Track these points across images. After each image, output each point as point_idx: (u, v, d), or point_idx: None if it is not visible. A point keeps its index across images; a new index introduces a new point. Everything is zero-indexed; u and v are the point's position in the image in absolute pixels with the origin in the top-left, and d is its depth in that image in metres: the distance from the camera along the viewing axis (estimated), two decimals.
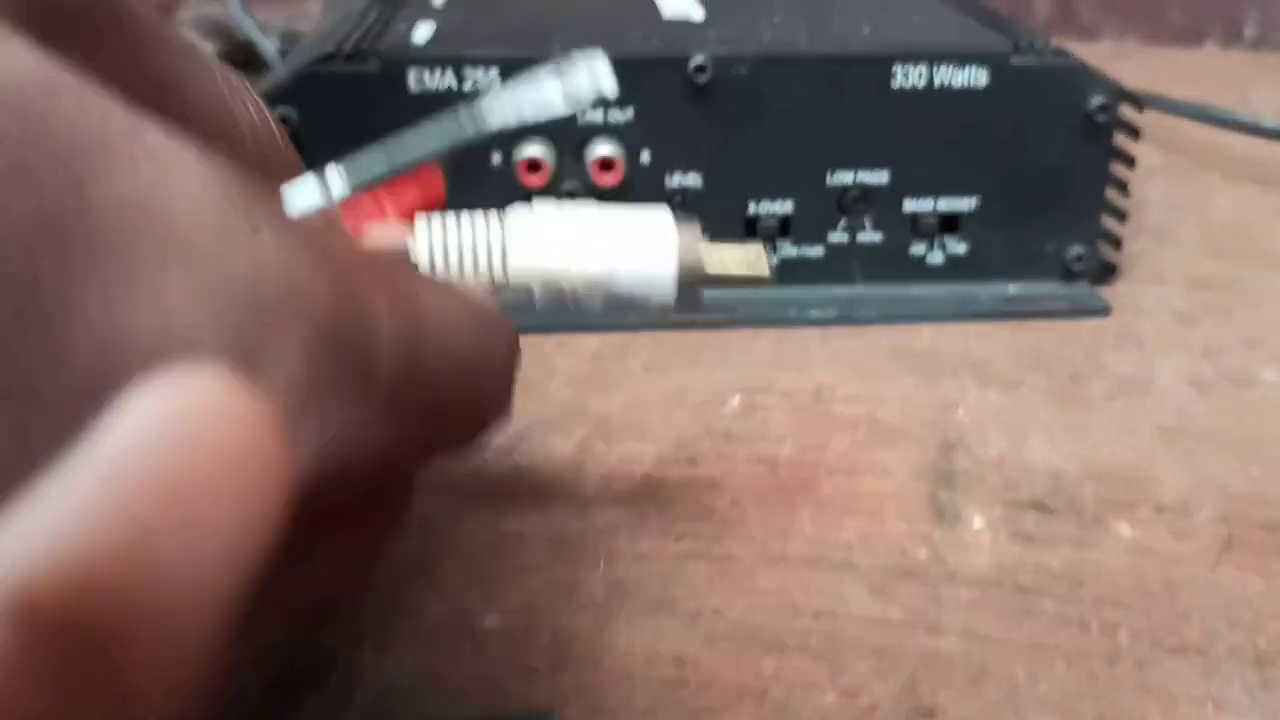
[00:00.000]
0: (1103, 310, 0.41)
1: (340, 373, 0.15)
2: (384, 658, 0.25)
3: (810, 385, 0.37)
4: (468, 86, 0.39)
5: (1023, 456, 0.33)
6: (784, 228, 0.42)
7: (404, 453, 0.18)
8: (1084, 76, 0.40)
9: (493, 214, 0.26)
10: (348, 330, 0.15)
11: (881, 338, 0.40)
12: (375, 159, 0.21)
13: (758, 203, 0.41)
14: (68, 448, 0.10)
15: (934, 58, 0.39)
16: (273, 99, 0.38)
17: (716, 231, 0.41)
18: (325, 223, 0.20)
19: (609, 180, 0.40)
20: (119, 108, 0.14)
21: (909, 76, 0.40)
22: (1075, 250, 0.42)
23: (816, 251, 0.42)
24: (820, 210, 0.41)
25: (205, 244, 0.14)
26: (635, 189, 0.40)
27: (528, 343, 0.22)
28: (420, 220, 0.25)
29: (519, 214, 0.26)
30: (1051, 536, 0.30)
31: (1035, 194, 0.42)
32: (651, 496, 0.31)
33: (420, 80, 0.39)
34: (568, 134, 0.40)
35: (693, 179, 0.41)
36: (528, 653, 0.26)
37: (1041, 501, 0.31)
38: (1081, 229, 0.42)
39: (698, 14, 0.45)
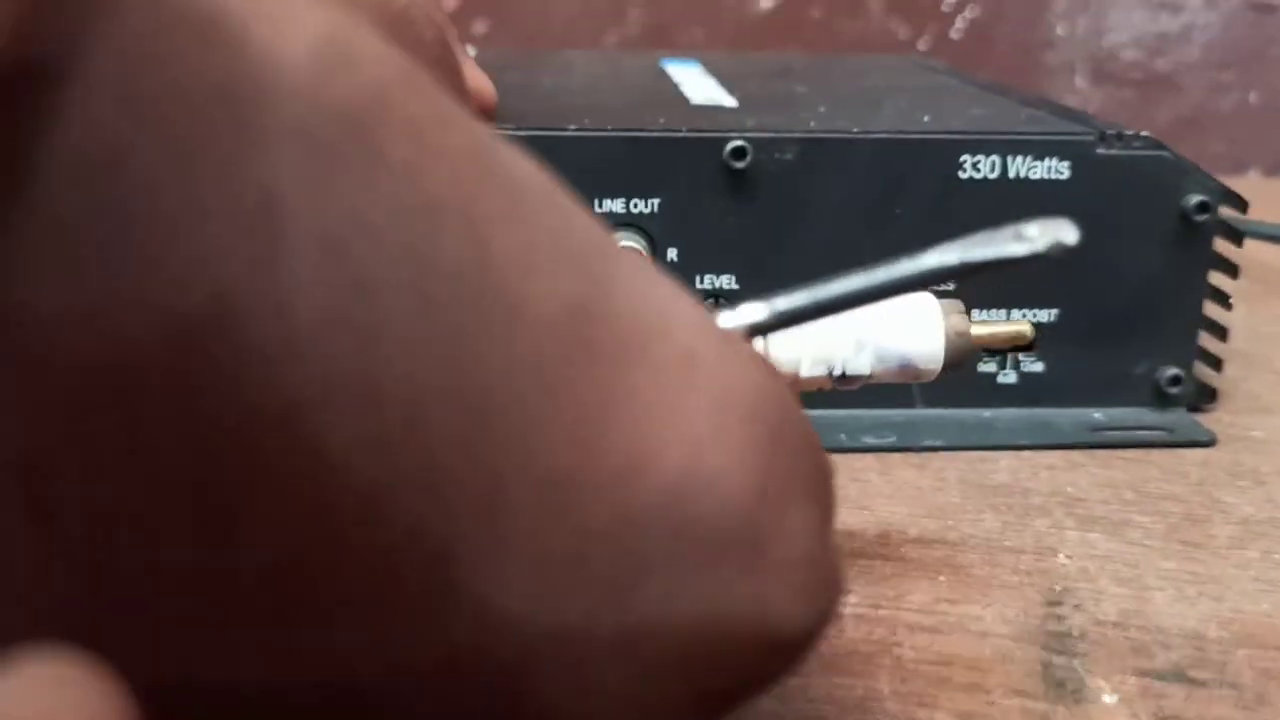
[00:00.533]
0: (1208, 441, 0.35)
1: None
2: None
3: (874, 524, 0.30)
4: None
5: (1149, 615, 0.26)
6: None
7: None
8: (1180, 170, 0.35)
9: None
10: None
11: (950, 467, 0.33)
12: (800, 296, 0.20)
13: None
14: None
15: (1009, 146, 0.34)
16: None
17: None
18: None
19: None
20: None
21: (979, 166, 0.34)
22: (1169, 371, 0.36)
23: None
24: None
25: (708, 356, 0.13)
26: None
27: None
28: None
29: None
30: (1208, 718, 0.23)
31: (1123, 306, 0.36)
32: None
33: None
34: None
35: (726, 281, 0.35)
36: None
37: (1184, 672, 0.24)
38: (1176, 347, 0.36)
39: (729, 101, 0.40)
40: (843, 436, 0.35)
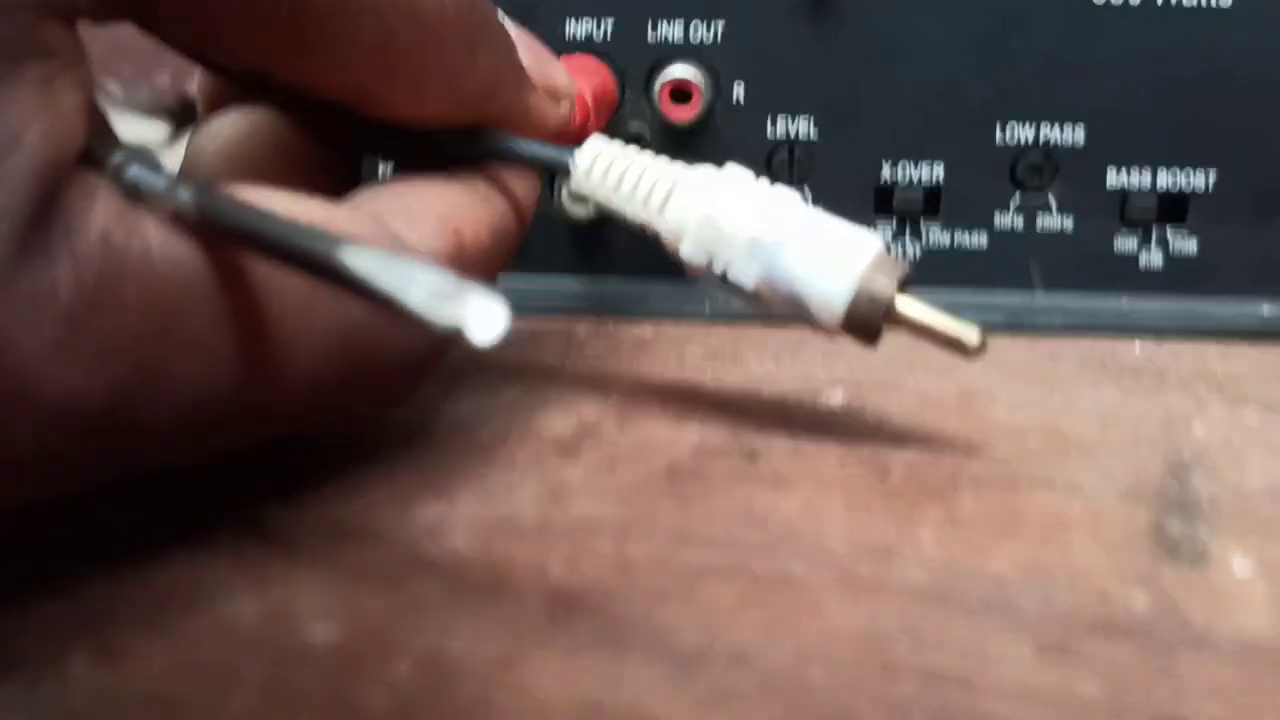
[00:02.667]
0: None
1: None
2: None
3: (954, 387, 0.24)
4: None
5: None
6: (931, 204, 0.29)
7: None
8: None
9: (678, 162, 0.22)
10: None
11: (1068, 348, 0.27)
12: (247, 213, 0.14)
13: (894, 166, 0.29)
14: None
15: None
16: None
17: (835, 203, 0.29)
18: None
19: (683, 115, 0.29)
20: None
21: None
22: None
23: (977, 240, 0.30)
24: (984, 180, 0.29)
25: None
26: (721, 134, 0.29)
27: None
28: (599, 138, 0.22)
29: (706, 167, 0.22)
30: None
31: None
32: (668, 490, 0.19)
33: None
34: (635, 53, 0.29)
35: (803, 127, 0.29)
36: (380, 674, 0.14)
37: None
38: None
39: None
40: None
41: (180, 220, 0.14)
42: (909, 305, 0.20)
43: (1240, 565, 0.17)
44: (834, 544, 0.17)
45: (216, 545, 0.17)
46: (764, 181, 0.21)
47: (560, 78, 0.23)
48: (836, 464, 0.20)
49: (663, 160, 0.22)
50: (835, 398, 0.23)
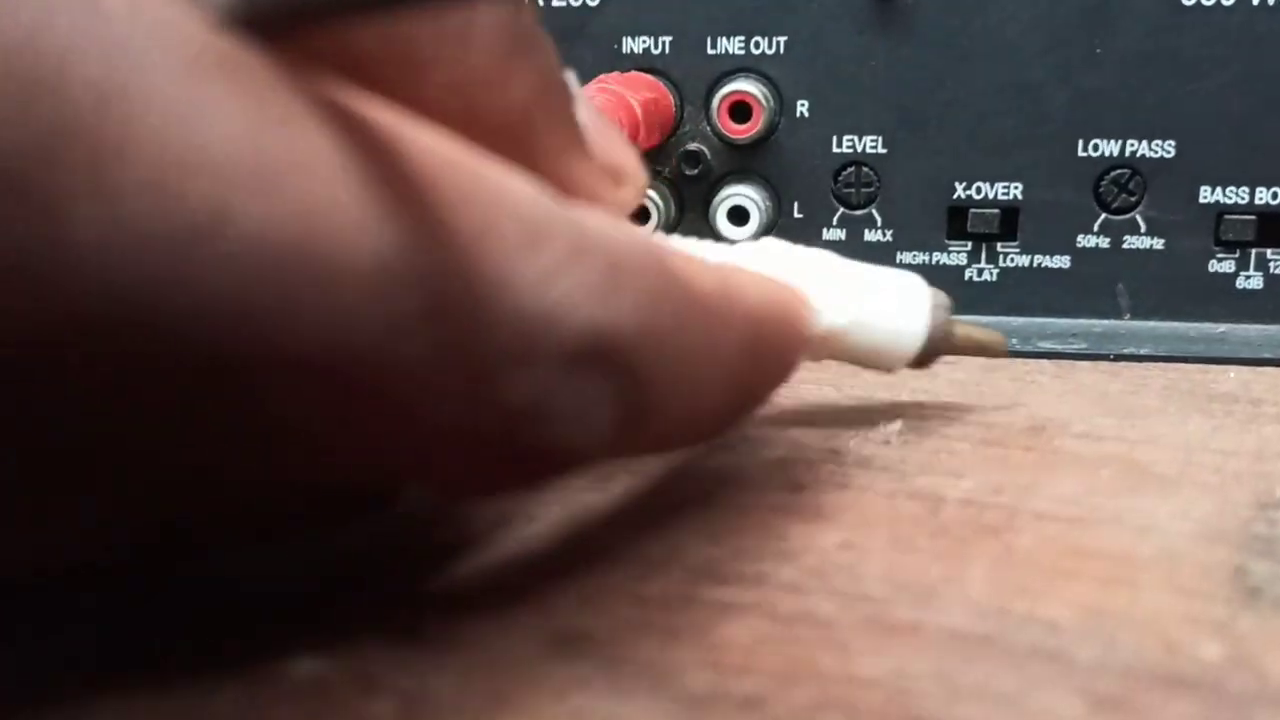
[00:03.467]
0: None
1: None
2: None
3: (1026, 418, 0.22)
4: (556, 1, 0.28)
5: None
6: (1008, 225, 0.28)
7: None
8: None
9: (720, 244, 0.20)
10: None
11: (1155, 375, 0.25)
12: None
13: (968, 185, 0.28)
14: None
15: None
16: None
17: (905, 224, 0.28)
18: None
19: (742, 131, 0.28)
20: None
21: None
22: None
23: (1059, 262, 0.28)
24: (1067, 199, 0.27)
25: None
26: (785, 152, 0.28)
27: None
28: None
29: (749, 246, 0.20)
30: None
31: None
32: (700, 523, 0.18)
33: None
34: (694, 69, 0.28)
35: (872, 144, 0.28)
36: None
37: None
38: None
39: None
40: (1014, 341, 0.27)
41: None
42: (957, 328, 0.20)
43: None
44: (870, 582, 0.16)
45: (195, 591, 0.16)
46: (797, 249, 0.20)
47: (627, 160, 0.19)
48: (885, 498, 0.19)
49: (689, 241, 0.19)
50: (893, 428, 0.22)
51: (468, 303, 0.12)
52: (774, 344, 0.17)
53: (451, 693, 0.13)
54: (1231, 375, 0.25)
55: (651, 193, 0.28)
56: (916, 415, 0.22)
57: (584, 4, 0.28)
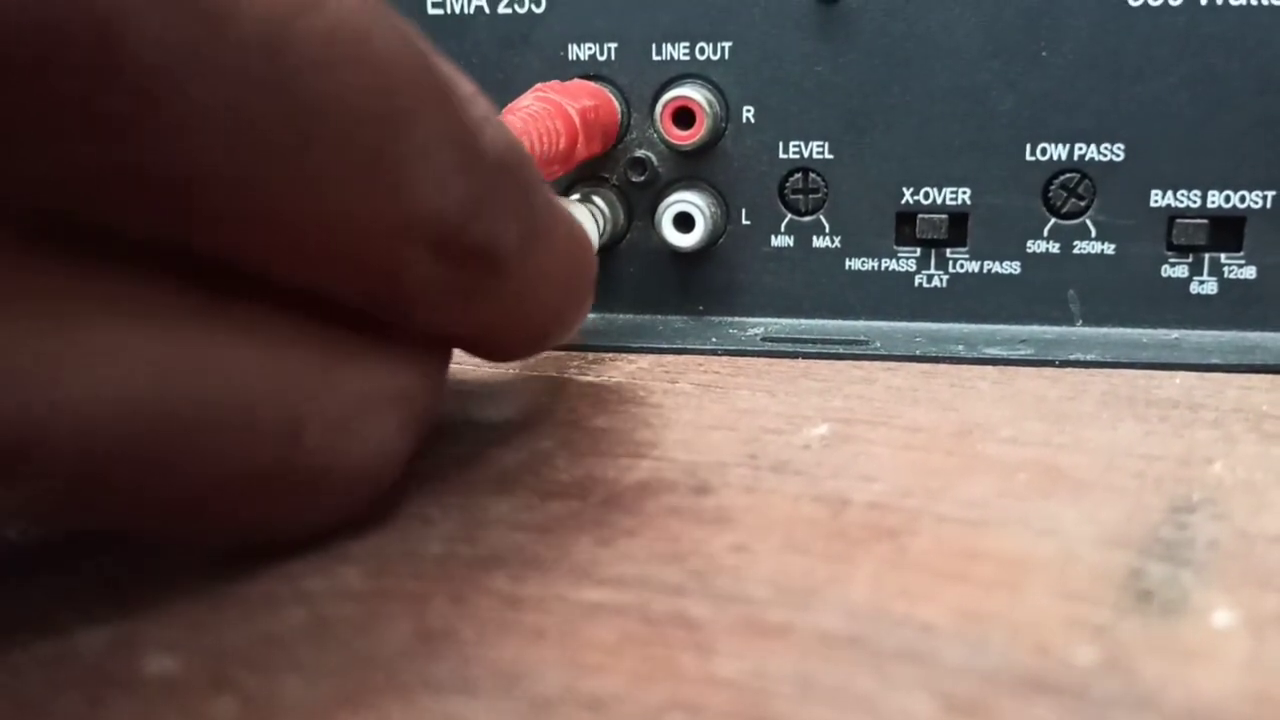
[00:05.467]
0: None
1: None
2: None
3: (956, 422, 0.22)
4: (501, 8, 0.28)
5: None
6: (957, 230, 0.27)
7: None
8: None
9: None
10: None
11: (1097, 381, 0.24)
12: None
13: (916, 191, 0.27)
14: None
15: None
16: None
17: (854, 230, 0.28)
18: None
19: (685, 138, 0.27)
20: None
21: None
22: None
23: (1009, 268, 0.27)
24: (1015, 204, 0.27)
25: None
26: (732, 158, 0.28)
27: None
28: None
29: None
30: None
31: None
32: (594, 525, 0.17)
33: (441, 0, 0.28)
34: (640, 76, 0.28)
35: (818, 150, 0.28)
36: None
37: None
38: None
39: None
40: (960, 348, 0.26)
41: None
42: None
43: (1223, 617, 0.14)
44: (752, 585, 0.15)
45: (72, 564, 0.16)
46: None
47: None
48: (791, 500, 0.18)
49: None
50: (817, 432, 0.21)
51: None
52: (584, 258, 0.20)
53: (296, 693, 0.13)
54: (1177, 381, 0.24)
55: (598, 199, 0.28)
56: (845, 419, 0.22)
57: (529, 10, 0.28)
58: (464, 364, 0.26)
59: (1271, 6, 0.25)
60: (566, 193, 0.28)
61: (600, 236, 0.28)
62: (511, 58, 0.28)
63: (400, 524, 0.18)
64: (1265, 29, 0.25)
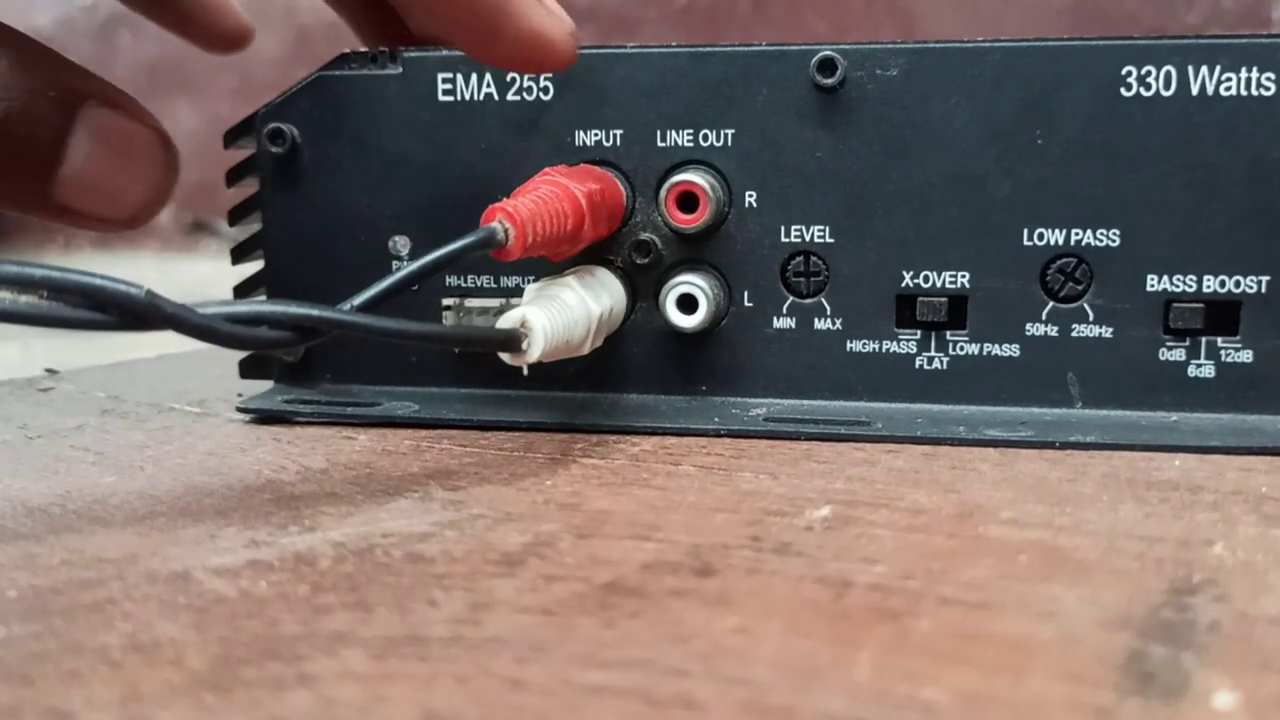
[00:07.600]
0: None
1: None
2: None
3: (957, 504, 0.22)
4: (510, 95, 0.29)
5: None
6: (957, 313, 0.28)
7: None
8: None
9: None
10: None
11: (1097, 463, 0.25)
12: None
13: (915, 275, 0.28)
14: None
15: (1191, 53, 0.26)
16: (273, 114, 0.30)
17: (855, 313, 0.28)
18: None
19: (689, 221, 0.28)
20: None
21: (1150, 80, 0.26)
22: None
23: (1008, 350, 0.28)
24: (1014, 287, 0.27)
25: None
26: (735, 241, 0.28)
27: None
28: None
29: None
30: None
31: None
32: (598, 607, 0.18)
33: (451, 87, 0.29)
34: (645, 161, 0.28)
35: (820, 233, 0.28)
36: None
37: None
38: None
39: None
40: (961, 430, 0.27)
41: None
42: None
43: (1224, 699, 0.15)
44: (756, 667, 0.16)
45: (75, 644, 0.16)
46: None
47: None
48: (794, 582, 0.18)
49: None
50: (820, 514, 0.22)
51: None
52: None
53: None
54: (1176, 463, 0.24)
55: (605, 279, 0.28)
56: (847, 501, 0.22)
57: (538, 98, 0.29)
58: (468, 448, 0.26)
59: (1260, 98, 0.26)
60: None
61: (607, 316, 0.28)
62: (520, 143, 0.29)
63: (404, 606, 0.18)
64: (1255, 119, 0.26)
